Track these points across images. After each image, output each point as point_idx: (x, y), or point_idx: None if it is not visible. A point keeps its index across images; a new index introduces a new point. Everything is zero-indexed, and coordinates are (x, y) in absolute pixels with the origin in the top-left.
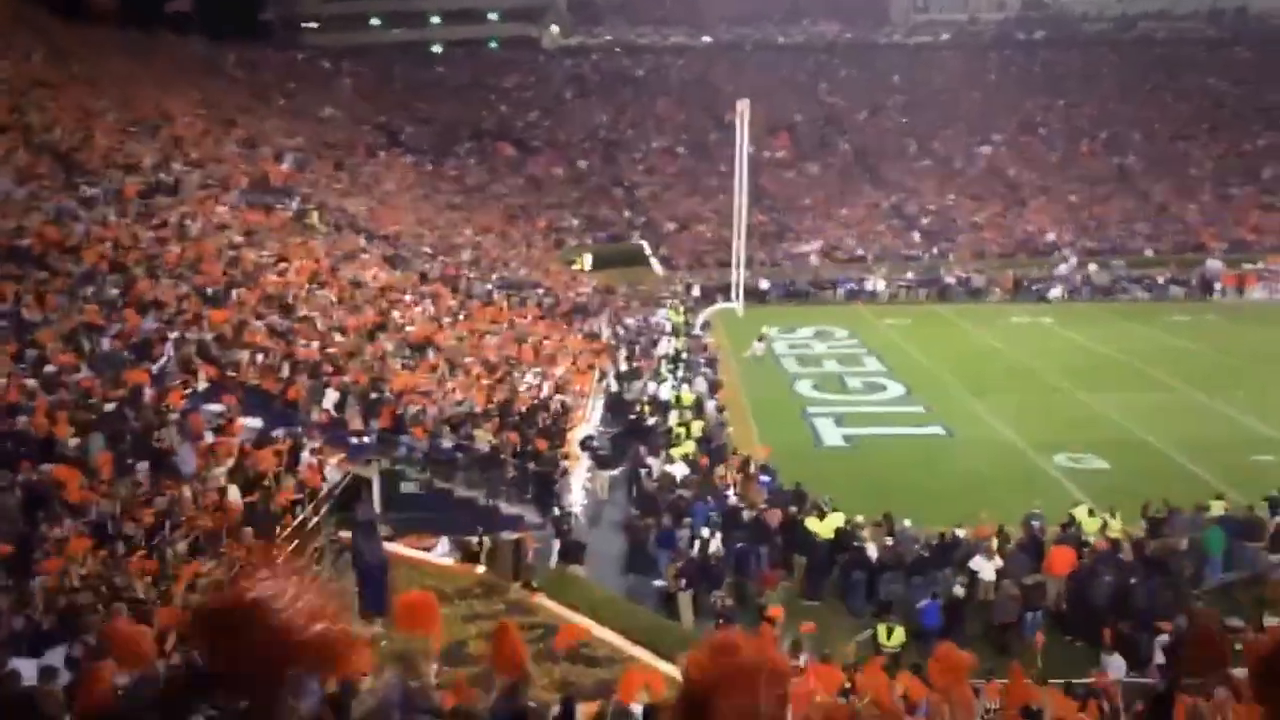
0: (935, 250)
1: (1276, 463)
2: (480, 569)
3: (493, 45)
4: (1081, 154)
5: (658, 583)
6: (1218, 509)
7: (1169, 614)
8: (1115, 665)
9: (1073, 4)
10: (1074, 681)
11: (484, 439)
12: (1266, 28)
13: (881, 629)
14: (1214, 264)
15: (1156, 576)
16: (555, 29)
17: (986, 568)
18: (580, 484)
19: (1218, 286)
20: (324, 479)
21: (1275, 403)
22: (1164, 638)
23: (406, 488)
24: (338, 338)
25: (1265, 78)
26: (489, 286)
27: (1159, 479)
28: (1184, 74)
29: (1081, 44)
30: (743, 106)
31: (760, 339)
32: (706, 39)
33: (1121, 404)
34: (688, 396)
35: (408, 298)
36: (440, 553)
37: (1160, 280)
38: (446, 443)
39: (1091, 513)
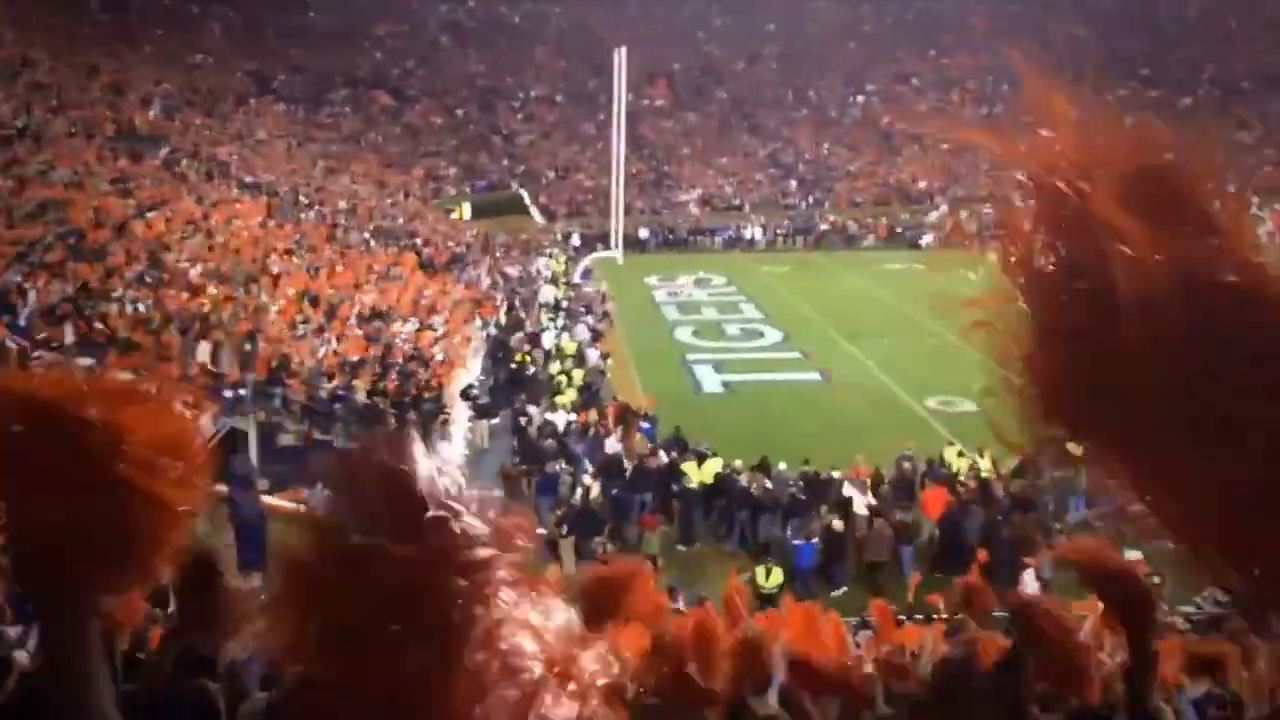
0: (811, 199)
1: None
2: None
3: None
4: (952, 104)
5: (539, 530)
6: (1078, 448)
7: (1034, 549)
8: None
9: None
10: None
11: (362, 389)
12: None
13: (760, 570)
14: None
15: (1022, 514)
16: None
17: (860, 500)
18: (461, 434)
19: None
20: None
21: None
22: (1030, 572)
23: (284, 440)
24: (210, 288)
25: (1124, 28)
26: (366, 236)
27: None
28: (1049, 24)
29: None
30: (620, 55)
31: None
32: None
33: (993, 347)
34: (569, 345)
35: (282, 247)
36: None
37: None
38: (324, 394)
39: (961, 453)
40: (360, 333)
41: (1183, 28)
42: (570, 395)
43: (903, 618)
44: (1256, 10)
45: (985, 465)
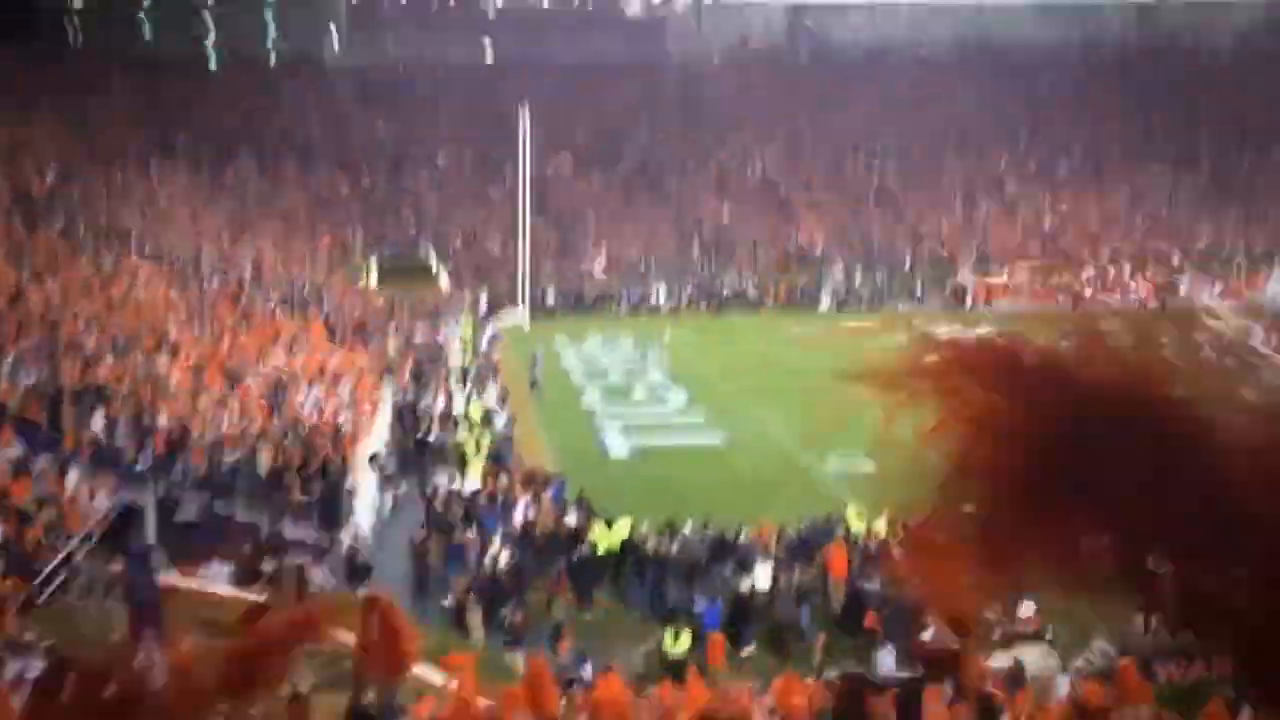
0: (714, 262)
1: None
2: (261, 597)
3: (274, 62)
4: (846, 170)
5: (447, 601)
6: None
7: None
8: (886, 661)
9: (834, 28)
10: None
11: (265, 460)
12: (1007, 54)
13: (668, 634)
14: (965, 275)
15: None
16: (338, 47)
17: (763, 570)
18: (367, 504)
19: (969, 296)
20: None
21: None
22: (930, 631)
23: (183, 514)
24: (108, 358)
25: (1005, 100)
26: (270, 303)
27: (921, 477)
28: (935, 95)
29: (845, 64)
30: (525, 121)
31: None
32: (490, 56)
33: (891, 407)
34: (477, 410)
35: (184, 314)
36: (220, 582)
37: (918, 291)
38: (225, 465)
39: (860, 514)
40: (263, 402)
41: (1056, 100)
42: (478, 462)
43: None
44: (1122, 83)
45: (882, 524)
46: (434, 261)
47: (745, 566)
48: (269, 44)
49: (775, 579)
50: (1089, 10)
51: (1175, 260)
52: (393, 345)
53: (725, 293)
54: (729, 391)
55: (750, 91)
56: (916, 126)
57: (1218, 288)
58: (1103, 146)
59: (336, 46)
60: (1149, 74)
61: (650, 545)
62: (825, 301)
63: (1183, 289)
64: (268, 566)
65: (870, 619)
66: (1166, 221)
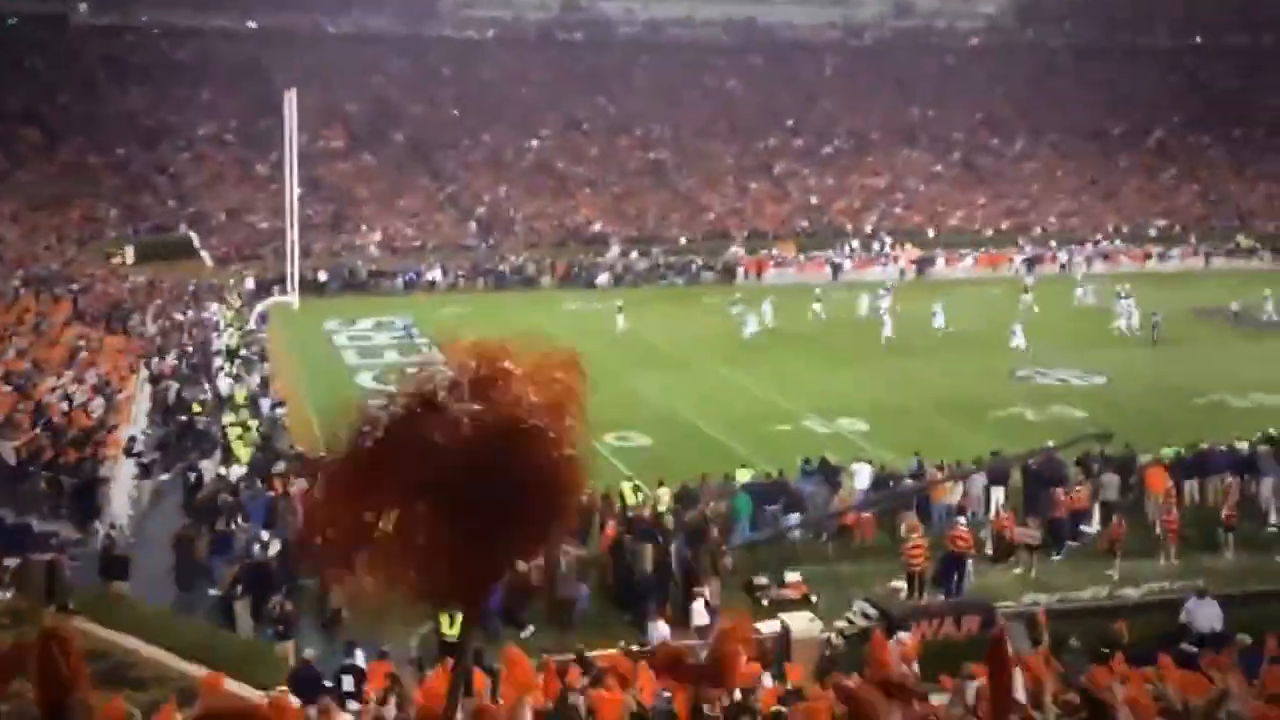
0: (490, 240)
1: (794, 431)
2: (6, 594)
3: (13, 21)
4: (621, 149)
5: (213, 592)
6: (744, 476)
7: (704, 577)
8: (659, 631)
9: (608, 8)
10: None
11: (12, 451)
12: (774, 38)
13: (444, 618)
14: (736, 251)
15: (693, 544)
16: (84, 7)
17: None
18: (125, 493)
19: (740, 271)
20: None
21: (791, 378)
22: (700, 601)
23: None
24: None
25: (773, 83)
26: (15, 284)
27: (694, 451)
28: (707, 78)
29: (617, 46)
30: (291, 95)
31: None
32: (253, 24)
33: (662, 383)
34: (242, 394)
35: None
36: None
37: (693, 267)
38: None
39: (636, 488)
40: (6, 388)
41: (821, 83)
42: (245, 448)
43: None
44: (883, 70)
45: (663, 497)
46: (196, 239)
47: None
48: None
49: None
50: None
51: (931, 235)
52: (152, 327)
53: (503, 270)
54: None
55: (525, 69)
56: (689, 106)
57: (969, 260)
58: (866, 129)
59: (83, 7)
60: (907, 59)
61: None
62: (603, 278)
63: (939, 262)
64: (10, 562)
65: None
66: (924, 200)
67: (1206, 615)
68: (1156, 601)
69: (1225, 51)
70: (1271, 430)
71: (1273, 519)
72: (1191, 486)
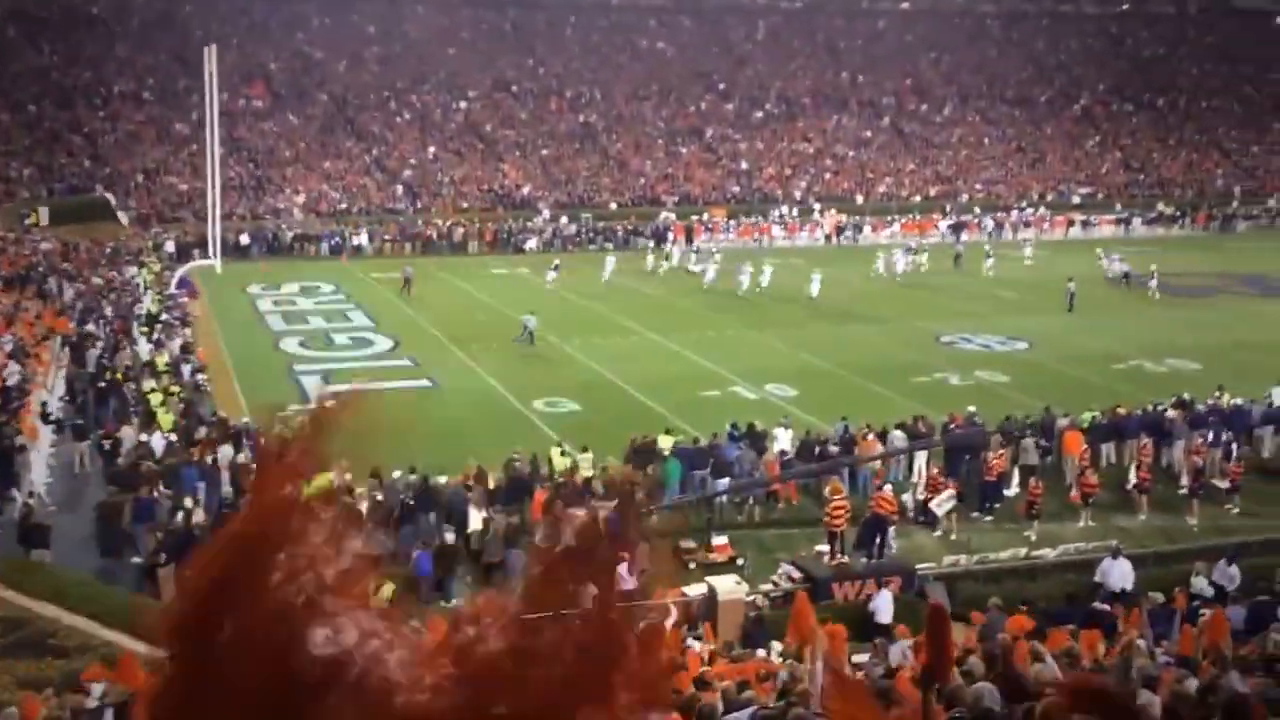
0: (418, 204)
1: (722, 397)
2: None
3: None
4: (551, 112)
5: (136, 560)
6: (667, 442)
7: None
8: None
9: None
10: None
11: None
12: (705, 0)
13: (373, 582)
14: (667, 215)
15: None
16: None
17: (475, 515)
18: (43, 461)
19: (670, 236)
20: None
21: (720, 343)
22: (625, 566)
23: None
24: None
25: (703, 46)
26: None
27: (623, 416)
28: (638, 39)
29: (546, 6)
30: (211, 52)
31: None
32: None
33: (591, 348)
34: (163, 360)
35: None
36: None
37: (620, 231)
38: None
39: (564, 452)
40: None
41: (752, 46)
42: (167, 414)
43: None
44: (814, 34)
45: (586, 463)
46: (113, 200)
47: (451, 511)
48: None
49: (487, 520)
50: None
51: (859, 201)
52: (69, 291)
53: (431, 235)
54: (436, 335)
55: (452, 28)
56: (620, 69)
57: (895, 225)
58: (796, 94)
59: None
60: (837, 24)
61: (357, 492)
62: (532, 243)
63: (865, 229)
64: None
65: None
66: (853, 166)
67: (1119, 574)
68: (1072, 561)
69: (1150, 19)
70: (1186, 394)
71: (1184, 481)
72: (1108, 450)
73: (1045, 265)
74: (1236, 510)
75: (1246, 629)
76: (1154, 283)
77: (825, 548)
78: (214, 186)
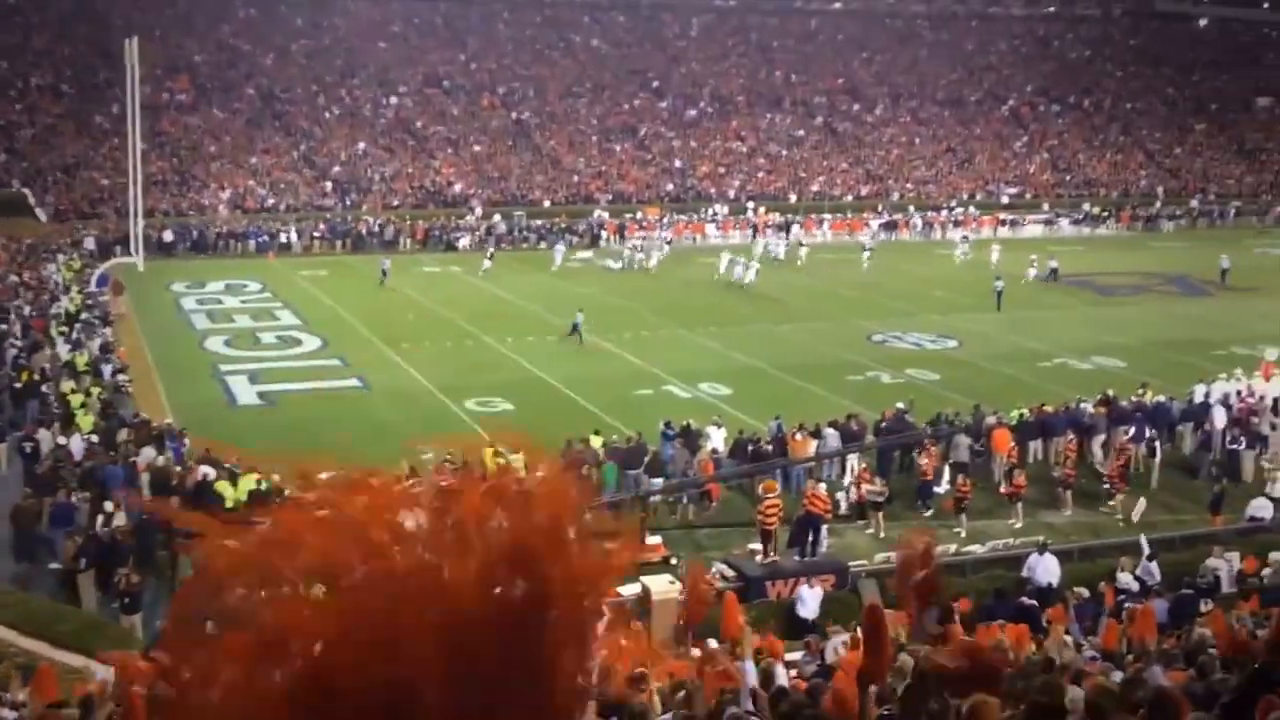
0: (348, 200)
1: (656, 396)
2: None
3: None
4: (483, 108)
5: (54, 565)
6: (596, 442)
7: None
8: None
9: None
10: None
11: None
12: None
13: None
14: (600, 214)
15: None
16: None
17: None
18: None
19: (603, 235)
20: None
21: (654, 342)
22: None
23: None
24: None
25: (637, 43)
26: None
27: (557, 415)
28: (571, 35)
29: (478, 0)
30: (132, 44)
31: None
32: None
33: (524, 347)
34: (82, 360)
35: None
36: None
37: (551, 228)
38: None
39: (497, 453)
40: None
41: (686, 44)
42: (87, 416)
43: None
44: (747, 32)
45: (520, 463)
46: (30, 195)
47: None
48: None
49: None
50: None
51: (792, 199)
52: None
53: (361, 232)
54: (366, 334)
55: (383, 21)
56: (553, 66)
57: (825, 224)
58: (730, 92)
59: None
60: (771, 22)
61: (285, 495)
62: (464, 241)
63: (795, 229)
64: None
65: None
66: (786, 165)
67: (1045, 569)
68: (1000, 557)
69: (1076, 22)
70: (1110, 391)
71: (1105, 473)
72: (1035, 446)
73: (974, 264)
74: (1115, 507)
75: (1169, 622)
76: (1032, 271)
77: (758, 546)
78: (135, 182)
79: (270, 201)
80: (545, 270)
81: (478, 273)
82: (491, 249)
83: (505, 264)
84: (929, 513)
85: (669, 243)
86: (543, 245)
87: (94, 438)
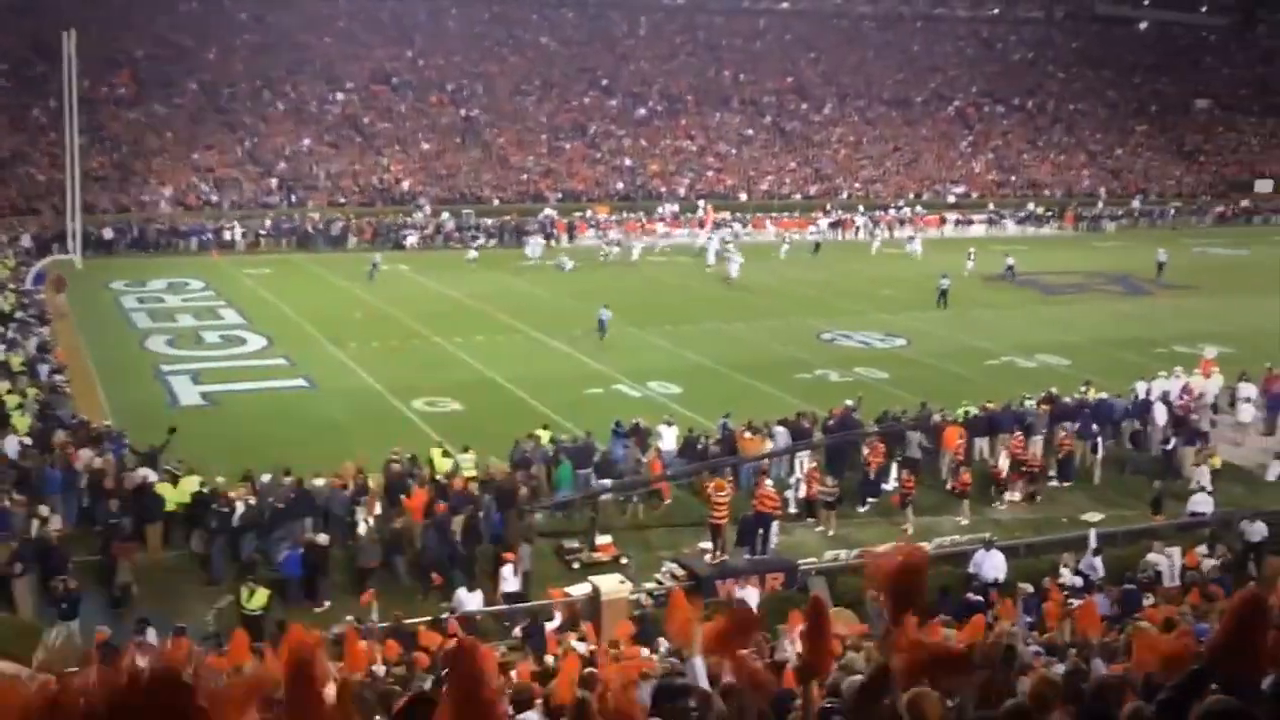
0: (294, 197)
1: (606, 395)
2: None
3: None
4: (431, 105)
5: None
6: (544, 436)
7: (514, 542)
8: (469, 599)
9: None
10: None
11: None
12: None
13: (244, 591)
14: (549, 213)
15: (502, 507)
16: None
17: (360, 515)
18: None
19: (554, 233)
20: None
21: (604, 341)
22: (509, 567)
23: None
24: None
25: (586, 41)
26: None
27: (507, 415)
28: (520, 32)
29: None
30: (69, 37)
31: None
32: None
33: (473, 346)
34: (18, 360)
35: None
36: None
37: (494, 225)
38: None
39: (445, 453)
40: None
41: (635, 42)
42: (23, 417)
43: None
44: (695, 31)
45: (468, 462)
46: None
47: (327, 514)
48: None
49: (366, 524)
50: None
51: (743, 198)
52: None
53: (307, 229)
54: (312, 333)
55: (328, 16)
56: (502, 62)
57: (771, 226)
58: (679, 91)
59: None
60: (719, 21)
61: (230, 497)
62: (412, 239)
63: (737, 226)
64: None
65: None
66: (735, 164)
67: (992, 565)
68: (947, 554)
69: (1019, 24)
70: (1054, 389)
71: (1051, 472)
72: (981, 444)
73: (921, 263)
74: (1003, 506)
75: (1112, 617)
76: (970, 264)
77: (708, 545)
78: (74, 177)
79: (214, 198)
80: (495, 268)
81: (463, 262)
82: (480, 240)
83: (456, 263)
84: (864, 509)
85: (619, 243)
86: (493, 243)
87: (29, 440)
